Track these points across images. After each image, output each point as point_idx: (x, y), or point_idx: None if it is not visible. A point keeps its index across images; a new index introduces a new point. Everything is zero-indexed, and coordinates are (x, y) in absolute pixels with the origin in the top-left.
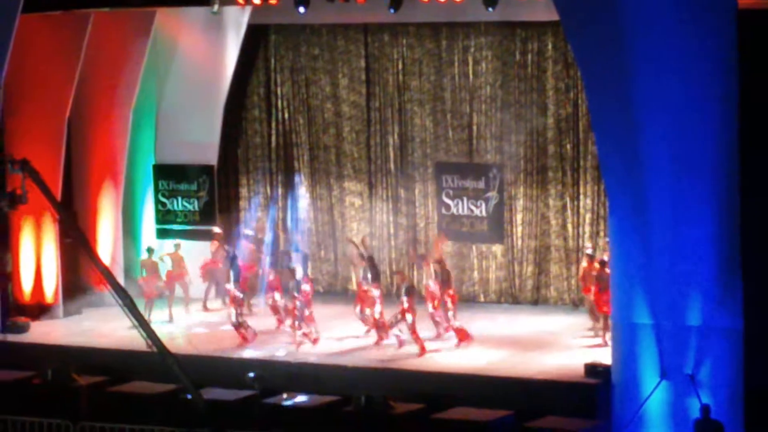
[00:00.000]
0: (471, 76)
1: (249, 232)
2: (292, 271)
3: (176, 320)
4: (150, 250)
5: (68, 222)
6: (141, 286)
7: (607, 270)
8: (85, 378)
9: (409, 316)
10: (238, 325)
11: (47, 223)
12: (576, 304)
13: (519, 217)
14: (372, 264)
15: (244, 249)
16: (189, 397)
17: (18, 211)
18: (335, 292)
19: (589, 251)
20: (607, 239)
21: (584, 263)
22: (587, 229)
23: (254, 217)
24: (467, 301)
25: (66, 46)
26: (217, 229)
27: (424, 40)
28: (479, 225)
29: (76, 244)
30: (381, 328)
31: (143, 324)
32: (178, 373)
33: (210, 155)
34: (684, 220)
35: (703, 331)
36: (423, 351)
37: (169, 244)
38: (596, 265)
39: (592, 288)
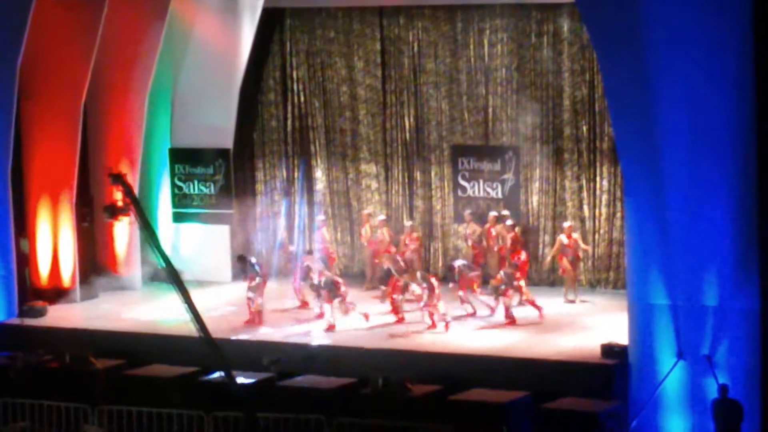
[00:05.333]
0: (486, 59)
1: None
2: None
3: None
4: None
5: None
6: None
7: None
8: (102, 361)
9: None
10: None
11: (64, 208)
12: (593, 285)
13: (535, 199)
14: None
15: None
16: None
17: (117, 221)
18: (351, 274)
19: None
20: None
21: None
22: (603, 210)
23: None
24: (485, 282)
25: (82, 30)
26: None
27: (440, 22)
28: (495, 207)
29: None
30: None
31: (194, 310)
32: (220, 359)
33: (226, 139)
34: (701, 201)
35: (720, 311)
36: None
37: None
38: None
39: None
